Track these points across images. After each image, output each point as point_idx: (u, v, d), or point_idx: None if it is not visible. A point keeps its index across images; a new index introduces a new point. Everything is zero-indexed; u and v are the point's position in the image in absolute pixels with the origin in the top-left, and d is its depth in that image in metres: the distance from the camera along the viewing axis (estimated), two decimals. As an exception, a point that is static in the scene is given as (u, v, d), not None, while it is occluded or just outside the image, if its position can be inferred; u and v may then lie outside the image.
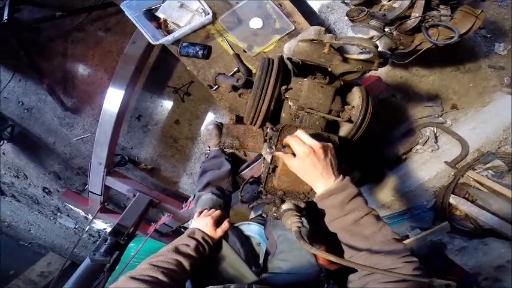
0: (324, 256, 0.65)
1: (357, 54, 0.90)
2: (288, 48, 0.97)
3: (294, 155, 0.76)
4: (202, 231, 1.02)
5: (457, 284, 1.76)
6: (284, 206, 0.94)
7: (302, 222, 0.82)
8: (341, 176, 0.75)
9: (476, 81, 1.79)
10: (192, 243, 0.94)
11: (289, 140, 0.78)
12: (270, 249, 1.39)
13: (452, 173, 1.81)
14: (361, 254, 0.69)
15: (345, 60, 0.91)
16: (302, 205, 0.93)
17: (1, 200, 2.79)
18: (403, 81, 1.80)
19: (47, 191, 2.64)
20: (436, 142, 1.83)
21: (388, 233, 0.70)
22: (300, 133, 0.78)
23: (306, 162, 0.73)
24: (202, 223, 1.07)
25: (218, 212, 1.15)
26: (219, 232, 1.06)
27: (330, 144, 0.78)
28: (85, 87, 2.09)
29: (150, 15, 1.27)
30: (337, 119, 0.98)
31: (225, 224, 1.09)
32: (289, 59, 0.92)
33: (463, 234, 1.87)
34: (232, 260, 1.14)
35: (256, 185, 1.50)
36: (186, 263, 0.86)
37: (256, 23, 1.32)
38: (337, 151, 0.81)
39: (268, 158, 1.04)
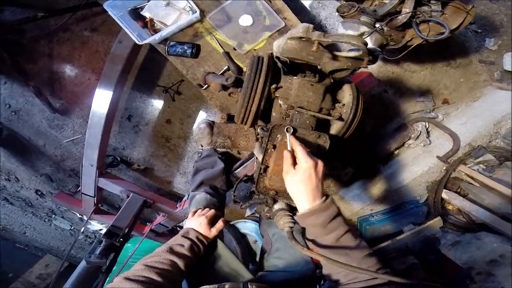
0: (314, 257, 0.65)
1: (347, 52, 0.89)
2: (277, 46, 0.96)
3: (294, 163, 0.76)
4: (197, 231, 1.02)
5: (450, 279, 1.79)
6: (276, 206, 0.94)
7: (294, 222, 0.82)
8: (324, 196, 0.75)
9: (467, 76, 1.79)
10: (187, 243, 0.94)
11: (296, 145, 0.77)
12: (265, 248, 1.39)
13: (444, 168, 1.82)
14: (341, 270, 0.71)
15: (335, 57, 0.90)
16: (294, 204, 0.93)
17: (-6, 203, 2.75)
18: (394, 77, 1.80)
19: (39, 193, 2.60)
20: (428, 137, 1.84)
21: (364, 248, 0.72)
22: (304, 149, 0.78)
23: (306, 174, 0.73)
24: (196, 223, 1.06)
25: (212, 211, 1.14)
26: (214, 231, 1.06)
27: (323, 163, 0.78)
28: (73, 88, 2.05)
29: (136, 14, 1.24)
30: (328, 117, 0.98)
31: (220, 223, 1.09)
32: (277, 57, 0.90)
33: (456, 229, 1.89)
34: (227, 259, 1.14)
35: (251, 183, 1.50)
36: (180, 263, 0.86)
37: (245, 20, 1.30)
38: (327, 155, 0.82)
39: (260, 157, 1.03)
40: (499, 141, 1.74)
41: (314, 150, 0.83)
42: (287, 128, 0.80)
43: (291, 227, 0.79)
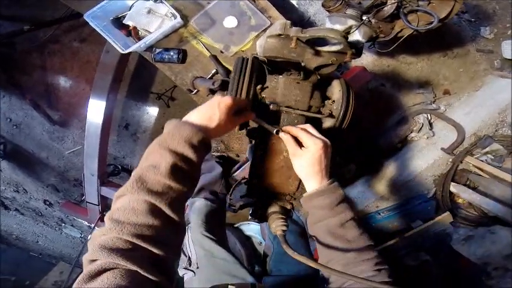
0: (304, 261, 0.62)
1: (329, 46, 0.86)
2: (260, 46, 0.93)
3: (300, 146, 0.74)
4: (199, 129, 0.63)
5: (464, 275, 1.72)
6: (269, 208, 0.92)
7: (287, 225, 0.80)
8: (331, 178, 0.74)
9: (466, 66, 1.74)
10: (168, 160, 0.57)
11: (298, 132, 0.76)
12: (267, 251, 1.38)
13: (450, 160, 1.76)
14: (340, 259, 0.68)
15: (317, 53, 0.86)
16: (288, 206, 0.90)
17: (7, 214, 2.83)
18: (390, 70, 1.75)
19: (48, 203, 2.66)
20: (431, 129, 1.78)
21: (366, 239, 0.69)
22: (309, 127, 0.77)
23: (315, 156, 0.71)
24: (206, 112, 0.67)
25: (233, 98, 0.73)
26: (236, 122, 0.75)
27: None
28: (69, 100, 2.07)
29: (119, 23, 1.23)
30: (316, 115, 0.94)
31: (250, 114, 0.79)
32: (255, 57, 0.88)
33: (468, 223, 1.82)
34: (230, 264, 1.13)
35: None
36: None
37: (230, 22, 1.28)
38: None
39: (251, 159, 1.01)
40: (506, 129, 1.66)
41: None
42: (276, 131, 0.78)
43: (284, 230, 0.76)
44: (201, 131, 0.62)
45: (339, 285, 0.66)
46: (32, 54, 2.00)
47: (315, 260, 0.62)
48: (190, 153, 0.59)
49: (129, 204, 0.53)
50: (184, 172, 0.58)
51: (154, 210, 0.53)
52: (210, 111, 0.67)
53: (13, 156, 2.36)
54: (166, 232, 0.54)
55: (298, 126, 0.80)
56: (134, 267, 0.46)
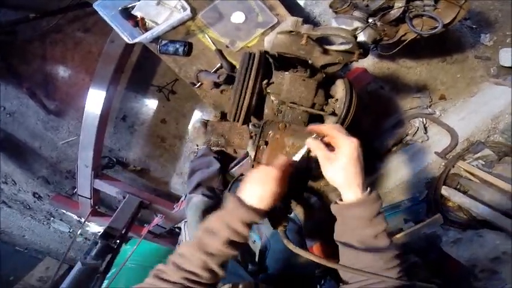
0: (307, 257, 0.63)
1: (337, 45, 0.88)
2: (268, 41, 0.94)
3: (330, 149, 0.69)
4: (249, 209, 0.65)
5: (452, 277, 1.76)
6: (269, 206, 0.92)
7: (288, 222, 0.80)
8: (368, 187, 0.67)
9: (464, 72, 1.77)
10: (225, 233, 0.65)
11: (328, 130, 0.70)
12: (263, 249, 1.38)
13: (443, 164, 1.81)
14: (369, 267, 0.64)
15: (325, 51, 0.88)
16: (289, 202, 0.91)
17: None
18: (390, 73, 1.78)
19: (37, 196, 2.60)
20: (425, 133, 1.82)
21: (394, 248, 0.67)
22: (339, 127, 0.71)
23: (353, 156, 0.65)
24: (259, 188, 0.67)
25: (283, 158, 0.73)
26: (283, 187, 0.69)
27: None
28: (67, 90, 2.04)
29: (127, 13, 1.23)
30: (320, 112, 0.96)
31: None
32: (266, 52, 0.89)
33: (457, 226, 1.86)
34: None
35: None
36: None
37: (238, 17, 1.29)
38: None
39: (253, 154, 1.02)
40: (498, 136, 1.72)
41: None
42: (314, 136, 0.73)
43: (285, 226, 0.77)
44: (255, 213, 0.65)
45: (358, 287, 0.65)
46: (33, 43, 1.96)
47: (315, 254, 0.62)
48: (244, 231, 0.65)
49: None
50: (236, 244, 0.66)
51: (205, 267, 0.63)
52: (260, 191, 0.67)
53: (4, 146, 2.30)
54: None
55: (325, 125, 0.73)
56: None
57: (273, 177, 0.67)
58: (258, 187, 0.67)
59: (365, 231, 0.65)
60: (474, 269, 1.72)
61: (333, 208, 0.71)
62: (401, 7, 1.06)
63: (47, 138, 2.25)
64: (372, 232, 0.65)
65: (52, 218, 2.80)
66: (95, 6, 1.12)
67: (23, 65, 2.01)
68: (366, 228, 0.65)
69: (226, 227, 0.64)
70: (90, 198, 1.92)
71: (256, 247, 2.07)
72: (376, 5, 1.06)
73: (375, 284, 0.63)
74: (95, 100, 1.56)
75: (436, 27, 1.06)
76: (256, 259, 1.38)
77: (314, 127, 0.74)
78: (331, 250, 1.55)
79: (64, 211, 2.62)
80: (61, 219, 2.79)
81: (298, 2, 1.66)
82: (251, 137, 1.25)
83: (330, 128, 0.70)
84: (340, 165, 0.65)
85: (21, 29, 1.92)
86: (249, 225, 0.66)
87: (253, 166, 0.96)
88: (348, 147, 0.65)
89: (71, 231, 2.88)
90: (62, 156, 2.32)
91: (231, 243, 0.65)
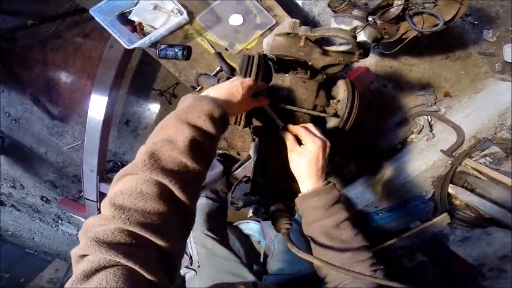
0: (309, 259, 0.62)
1: (337, 46, 0.86)
2: (267, 43, 0.93)
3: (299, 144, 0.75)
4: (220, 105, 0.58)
5: (460, 277, 1.74)
6: (273, 207, 0.92)
7: (291, 224, 0.80)
8: (327, 179, 0.75)
9: (468, 69, 1.74)
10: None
11: (298, 129, 0.76)
12: (267, 250, 1.38)
13: (450, 162, 1.77)
14: (336, 260, 0.68)
15: (325, 52, 0.87)
16: (292, 205, 0.90)
17: (2, 210, 2.79)
18: (393, 71, 1.75)
19: (45, 199, 2.63)
20: (431, 131, 1.79)
21: (361, 239, 0.70)
22: (311, 126, 0.78)
23: (313, 154, 0.72)
24: (225, 89, 0.65)
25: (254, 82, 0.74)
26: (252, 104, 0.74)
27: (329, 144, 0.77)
28: (70, 95, 2.05)
29: (124, 19, 1.23)
30: (322, 114, 0.95)
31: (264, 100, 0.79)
32: (264, 55, 0.88)
33: (465, 225, 1.84)
34: (231, 262, 1.13)
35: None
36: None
37: (236, 19, 1.28)
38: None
39: (255, 157, 1.01)
40: (505, 132, 1.68)
41: None
42: (283, 127, 0.80)
43: (288, 229, 0.77)
44: (223, 106, 0.57)
45: (335, 285, 0.67)
46: (34, 50, 1.98)
47: (319, 258, 0.62)
48: (211, 128, 0.54)
49: (136, 186, 0.46)
50: (203, 149, 0.53)
51: (165, 194, 0.47)
52: (233, 88, 0.66)
53: (11, 152, 2.33)
54: (176, 222, 0.48)
55: (301, 124, 0.81)
56: (137, 268, 0.39)
57: (247, 84, 0.69)
58: (228, 85, 0.67)
59: (324, 221, 0.70)
60: (482, 268, 1.70)
61: (296, 201, 0.77)
62: (400, 5, 1.04)
63: (52, 144, 2.27)
64: (331, 222, 0.70)
65: (60, 221, 2.83)
66: (91, 12, 1.12)
67: (24, 71, 2.02)
68: (325, 218, 0.70)
69: (186, 126, 0.51)
70: (97, 202, 1.94)
71: (261, 247, 2.07)
72: (375, 3, 1.04)
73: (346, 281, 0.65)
74: (97, 105, 1.57)
75: (437, 25, 1.04)
76: (261, 260, 1.38)
77: (289, 125, 0.80)
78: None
79: (71, 214, 2.65)
80: (69, 222, 2.82)
81: (297, 1, 1.65)
82: (253, 140, 1.24)
83: (298, 128, 0.77)
84: (299, 159, 0.73)
85: (20, 35, 1.93)
86: (217, 122, 0.55)
87: (255, 169, 0.96)
88: (309, 145, 0.72)
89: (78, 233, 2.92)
90: (67, 160, 2.35)
91: (196, 148, 0.51)
